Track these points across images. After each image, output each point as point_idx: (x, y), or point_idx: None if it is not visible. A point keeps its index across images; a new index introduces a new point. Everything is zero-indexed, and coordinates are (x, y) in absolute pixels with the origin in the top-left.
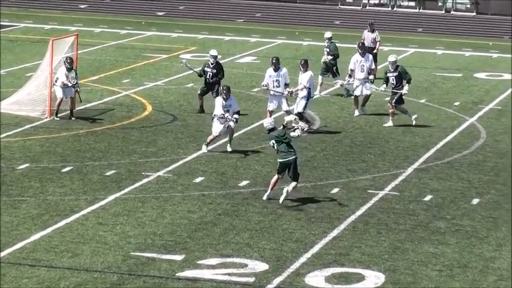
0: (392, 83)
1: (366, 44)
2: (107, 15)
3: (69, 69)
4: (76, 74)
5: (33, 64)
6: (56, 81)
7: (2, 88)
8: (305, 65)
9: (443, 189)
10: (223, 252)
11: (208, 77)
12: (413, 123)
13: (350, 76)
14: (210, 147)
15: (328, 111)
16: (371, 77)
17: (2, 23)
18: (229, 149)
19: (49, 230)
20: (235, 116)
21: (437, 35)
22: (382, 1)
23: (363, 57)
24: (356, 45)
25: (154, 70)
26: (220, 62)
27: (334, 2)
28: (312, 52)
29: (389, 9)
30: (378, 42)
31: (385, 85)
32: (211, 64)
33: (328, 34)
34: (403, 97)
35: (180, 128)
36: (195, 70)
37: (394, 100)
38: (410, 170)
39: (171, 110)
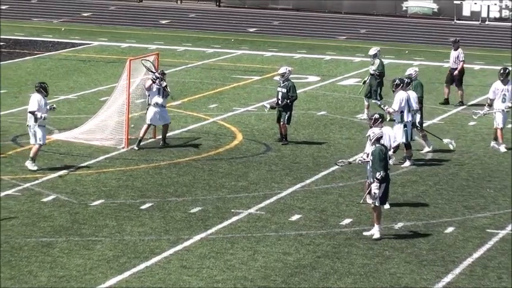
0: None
1: (450, 66)
2: (191, 32)
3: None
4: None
5: (108, 87)
6: (156, 73)
7: (74, 114)
8: (398, 85)
9: None
10: None
11: (279, 97)
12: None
13: (489, 106)
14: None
15: (441, 141)
16: (509, 104)
17: (73, 41)
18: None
19: (126, 274)
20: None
21: None
22: (503, 15)
23: (505, 85)
24: (498, 72)
25: (245, 94)
26: (320, 83)
27: (450, 17)
28: (423, 73)
29: None
30: (462, 62)
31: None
32: (282, 83)
33: (373, 50)
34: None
35: (274, 159)
36: (271, 106)
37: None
38: None
39: (264, 138)
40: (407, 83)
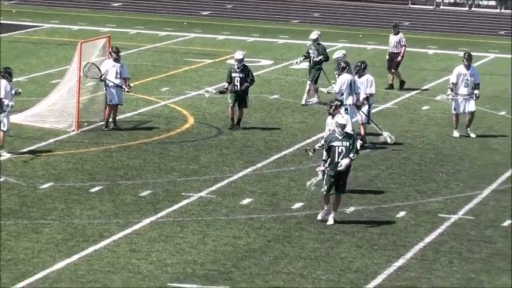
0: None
1: (390, 50)
2: (144, 15)
3: (116, 60)
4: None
5: (59, 70)
6: (102, 77)
7: (25, 97)
8: (343, 68)
9: None
10: (273, 284)
11: (236, 82)
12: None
13: (451, 90)
14: None
15: (394, 125)
16: (476, 91)
17: (25, 23)
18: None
19: (75, 257)
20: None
21: None
22: (458, 0)
23: (467, 70)
24: (463, 57)
25: (197, 77)
26: (273, 67)
27: (404, 1)
28: (377, 57)
29: (467, 9)
30: (404, 47)
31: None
32: (238, 68)
33: (314, 35)
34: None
35: (225, 142)
36: (220, 91)
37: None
38: (487, 191)
39: (216, 122)
40: (364, 67)
